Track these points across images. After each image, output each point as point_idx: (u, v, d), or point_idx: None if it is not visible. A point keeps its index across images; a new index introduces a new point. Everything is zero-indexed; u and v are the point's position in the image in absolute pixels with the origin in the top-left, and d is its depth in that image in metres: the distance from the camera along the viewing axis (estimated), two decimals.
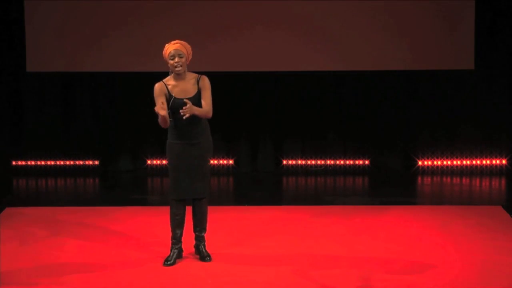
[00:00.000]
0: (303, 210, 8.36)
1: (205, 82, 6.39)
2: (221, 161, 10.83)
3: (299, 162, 10.89)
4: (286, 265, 6.46)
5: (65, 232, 7.49)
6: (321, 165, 10.86)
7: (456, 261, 6.52)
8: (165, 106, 6.25)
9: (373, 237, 7.28)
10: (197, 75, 6.42)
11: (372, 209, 8.44)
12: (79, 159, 10.87)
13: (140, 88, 10.63)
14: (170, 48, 6.31)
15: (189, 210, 6.61)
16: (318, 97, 10.72)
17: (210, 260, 6.56)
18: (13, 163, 10.87)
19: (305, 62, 10.43)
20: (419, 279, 6.09)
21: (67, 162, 10.89)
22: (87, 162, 10.89)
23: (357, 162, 10.85)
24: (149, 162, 10.90)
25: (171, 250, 6.57)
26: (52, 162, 10.87)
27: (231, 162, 10.86)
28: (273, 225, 7.76)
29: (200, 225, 6.63)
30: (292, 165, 10.89)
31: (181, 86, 6.35)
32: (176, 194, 6.49)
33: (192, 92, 6.35)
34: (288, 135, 10.86)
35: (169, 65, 6.34)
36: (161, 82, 6.37)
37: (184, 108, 6.13)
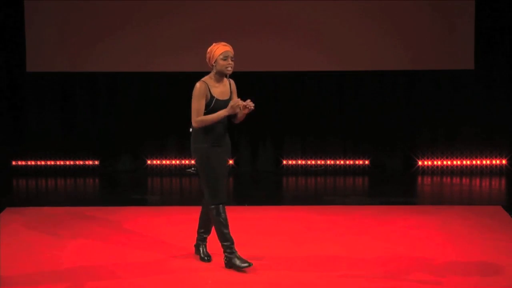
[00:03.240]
0: (303, 210, 8.35)
1: (235, 86, 6.46)
2: None
3: (299, 162, 10.89)
4: (286, 265, 6.45)
5: (65, 232, 7.48)
6: (321, 165, 10.85)
7: (456, 261, 6.51)
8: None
9: (373, 237, 7.28)
10: (227, 78, 6.42)
11: (372, 209, 8.44)
12: (79, 159, 10.87)
13: (140, 88, 10.68)
14: (222, 48, 6.28)
15: (196, 210, 6.59)
16: (318, 97, 10.72)
17: (210, 260, 6.56)
18: (13, 163, 10.87)
19: (305, 62, 10.43)
20: (419, 279, 6.09)
21: (67, 162, 10.89)
22: (87, 162, 10.89)
23: (357, 162, 10.85)
24: (149, 162, 10.90)
25: (231, 254, 6.35)
26: (52, 162, 10.88)
27: (231, 162, 10.85)
28: (273, 225, 7.76)
29: (205, 227, 6.62)
30: (292, 165, 10.89)
31: (220, 88, 6.35)
32: (222, 197, 6.30)
33: (228, 94, 6.38)
34: (288, 135, 10.86)
35: (218, 65, 6.24)
36: (203, 82, 6.25)
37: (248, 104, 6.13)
